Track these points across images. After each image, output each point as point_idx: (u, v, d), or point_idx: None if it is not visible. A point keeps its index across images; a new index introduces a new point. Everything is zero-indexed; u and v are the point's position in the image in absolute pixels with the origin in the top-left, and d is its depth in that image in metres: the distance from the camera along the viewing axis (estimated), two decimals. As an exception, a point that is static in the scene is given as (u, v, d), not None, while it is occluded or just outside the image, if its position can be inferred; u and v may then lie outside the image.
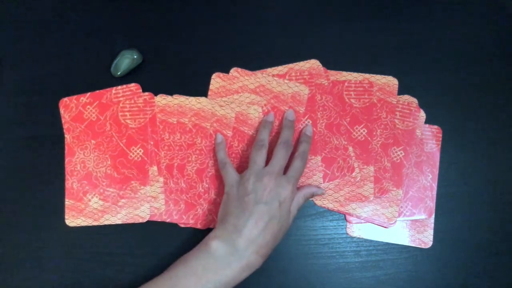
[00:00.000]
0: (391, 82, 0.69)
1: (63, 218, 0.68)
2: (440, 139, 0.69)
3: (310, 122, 0.68)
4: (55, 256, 0.68)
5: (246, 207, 0.57)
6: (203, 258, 0.56)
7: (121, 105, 0.70)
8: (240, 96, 0.70)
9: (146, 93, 0.70)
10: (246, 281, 0.65)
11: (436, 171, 0.68)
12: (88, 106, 0.70)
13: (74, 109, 0.70)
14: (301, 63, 0.71)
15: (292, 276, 0.67)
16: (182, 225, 0.68)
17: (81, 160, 0.69)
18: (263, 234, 0.56)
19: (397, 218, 0.67)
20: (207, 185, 0.68)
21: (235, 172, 0.63)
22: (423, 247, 0.67)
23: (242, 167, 0.68)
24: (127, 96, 0.70)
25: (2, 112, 0.72)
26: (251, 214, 0.57)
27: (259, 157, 0.62)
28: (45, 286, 0.68)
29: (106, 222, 0.68)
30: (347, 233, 0.68)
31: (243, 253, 0.55)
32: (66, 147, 0.69)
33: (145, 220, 0.67)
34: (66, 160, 0.69)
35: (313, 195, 0.65)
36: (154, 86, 0.71)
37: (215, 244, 0.56)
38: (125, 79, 0.71)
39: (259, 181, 0.59)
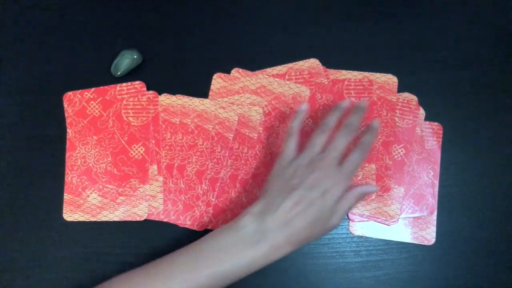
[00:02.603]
0: (391, 80, 0.72)
1: (63, 218, 0.71)
2: (441, 136, 0.71)
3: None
4: (54, 255, 0.71)
5: (287, 190, 0.57)
6: (232, 234, 0.57)
7: (124, 102, 0.73)
8: (241, 97, 0.73)
9: (150, 92, 0.73)
10: (246, 281, 0.69)
11: (437, 168, 0.70)
12: (92, 102, 0.73)
13: (77, 104, 0.73)
14: (301, 63, 0.74)
15: (292, 276, 0.70)
16: (181, 225, 0.70)
17: (82, 155, 0.72)
18: (297, 220, 0.56)
19: (399, 215, 0.70)
20: (206, 187, 0.71)
21: (295, 148, 0.62)
22: (426, 244, 0.69)
23: (243, 169, 0.71)
24: (131, 94, 0.73)
25: (2, 112, 0.74)
26: (289, 196, 0.57)
27: (319, 140, 0.61)
28: (45, 286, 0.70)
29: (104, 219, 0.71)
30: (350, 232, 0.70)
31: (272, 234, 0.55)
32: (67, 141, 0.72)
33: (142, 219, 0.70)
34: (67, 154, 0.72)
35: (365, 194, 0.62)
36: (154, 86, 0.73)
37: (245, 220, 0.57)
38: (125, 79, 0.74)
39: (310, 167, 0.58)
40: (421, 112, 0.72)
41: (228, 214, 0.71)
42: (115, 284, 0.58)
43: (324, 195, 0.57)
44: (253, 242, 0.55)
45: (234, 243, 0.56)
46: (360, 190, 0.61)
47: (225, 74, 0.74)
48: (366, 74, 0.73)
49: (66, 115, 0.73)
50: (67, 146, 0.72)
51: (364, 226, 0.70)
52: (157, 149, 0.72)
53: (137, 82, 0.73)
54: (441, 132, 0.72)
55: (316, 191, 0.57)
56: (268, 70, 0.74)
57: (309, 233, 0.57)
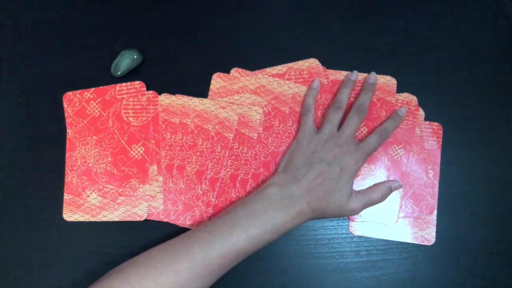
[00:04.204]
0: (390, 81, 0.73)
1: (63, 218, 0.72)
2: (441, 136, 0.72)
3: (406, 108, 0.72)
4: (54, 256, 0.72)
5: (310, 163, 0.65)
6: (261, 201, 0.62)
7: (124, 102, 0.74)
8: (241, 97, 0.73)
9: (150, 92, 0.74)
10: (246, 281, 0.70)
11: (437, 168, 0.71)
12: (92, 102, 0.74)
13: (77, 104, 0.74)
14: (300, 62, 0.74)
15: (292, 276, 0.70)
16: (181, 226, 0.71)
17: (81, 156, 0.73)
18: (317, 189, 0.63)
19: (399, 216, 0.70)
20: (206, 187, 0.71)
21: (313, 124, 0.70)
22: (426, 244, 0.70)
23: (243, 169, 0.72)
24: (131, 94, 0.74)
25: (2, 112, 0.75)
26: (312, 169, 0.64)
27: (335, 118, 0.68)
28: (45, 286, 0.71)
29: (104, 219, 0.71)
30: (350, 232, 0.71)
31: (298, 200, 0.62)
32: (67, 141, 0.73)
33: (142, 219, 0.71)
34: (67, 154, 0.73)
35: (391, 190, 0.69)
36: (154, 86, 0.74)
37: (273, 190, 0.63)
38: (125, 79, 0.75)
39: (328, 143, 0.66)
40: (421, 113, 0.72)
41: (228, 214, 0.71)
42: (154, 253, 0.61)
43: (342, 171, 0.64)
44: (282, 207, 0.62)
45: (265, 209, 0.62)
46: (385, 185, 0.69)
47: (225, 74, 0.75)
48: (366, 75, 0.73)
49: (66, 115, 0.74)
50: (67, 146, 0.73)
51: (364, 226, 0.71)
52: (157, 149, 0.72)
53: (137, 82, 0.74)
54: (441, 132, 0.72)
55: (335, 166, 0.64)
56: (268, 69, 0.75)
57: (326, 204, 0.64)
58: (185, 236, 0.62)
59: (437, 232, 0.71)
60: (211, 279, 0.60)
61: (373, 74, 0.72)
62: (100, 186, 0.72)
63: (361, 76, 0.73)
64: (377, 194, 0.68)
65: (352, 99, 0.73)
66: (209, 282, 0.60)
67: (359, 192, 0.68)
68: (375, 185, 0.70)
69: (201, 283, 0.59)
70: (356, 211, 0.66)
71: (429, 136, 0.72)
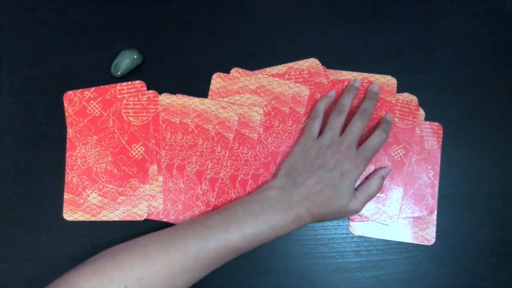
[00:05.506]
0: (390, 81, 0.73)
1: (63, 218, 0.72)
2: (441, 136, 0.72)
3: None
4: (54, 255, 0.72)
5: (311, 169, 0.65)
6: (261, 202, 0.64)
7: (125, 102, 0.74)
8: (241, 97, 0.74)
9: (151, 91, 0.74)
10: (246, 281, 0.70)
11: (437, 168, 0.71)
12: (92, 101, 0.74)
13: (77, 104, 0.74)
14: (300, 62, 0.75)
15: (292, 276, 0.71)
16: (181, 225, 0.72)
17: (82, 155, 0.73)
18: (317, 195, 0.63)
19: (399, 216, 0.71)
20: (205, 187, 0.72)
21: (318, 130, 0.69)
22: (425, 244, 0.70)
23: (242, 170, 0.72)
24: (131, 93, 0.74)
25: (2, 112, 0.76)
26: (312, 175, 0.64)
27: (337, 123, 0.68)
28: (44, 286, 0.70)
29: (104, 218, 0.72)
30: (349, 232, 0.72)
31: (296, 205, 0.63)
32: (68, 141, 0.73)
33: (142, 219, 0.71)
34: (67, 154, 0.73)
35: (384, 178, 0.69)
36: (154, 86, 0.74)
37: (273, 192, 0.64)
38: (125, 79, 0.75)
39: (330, 149, 0.66)
40: (421, 113, 0.73)
41: (228, 214, 0.71)
42: (150, 241, 0.62)
43: (343, 176, 0.64)
44: (281, 211, 0.62)
45: (264, 210, 0.62)
46: (378, 175, 0.69)
47: (225, 74, 0.75)
48: (366, 75, 0.74)
49: (66, 115, 0.74)
50: (67, 145, 0.74)
51: (364, 226, 0.72)
52: (157, 149, 0.73)
53: (137, 81, 0.74)
54: (441, 132, 0.72)
55: (336, 172, 0.64)
56: (268, 69, 0.75)
57: (325, 210, 0.64)
58: (181, 227, 0.63)
59: (437, 232, 0.71)
60: (201, 273, 0.61)
61: (376, 84, 0.73)
62: (100, 186, 0.73)
63: (361, 75, 0.74)
64: (373, 187, 0.68)
65: (354, 102, 0.73)
66: (198, 276, 0.61)
67: (357, 190, 0.67)
68: (367, 179, 0.70)
69: (191, 276, 0.60)
70: (358, 211, 0.66)
71: (429, 136, 0.72)
